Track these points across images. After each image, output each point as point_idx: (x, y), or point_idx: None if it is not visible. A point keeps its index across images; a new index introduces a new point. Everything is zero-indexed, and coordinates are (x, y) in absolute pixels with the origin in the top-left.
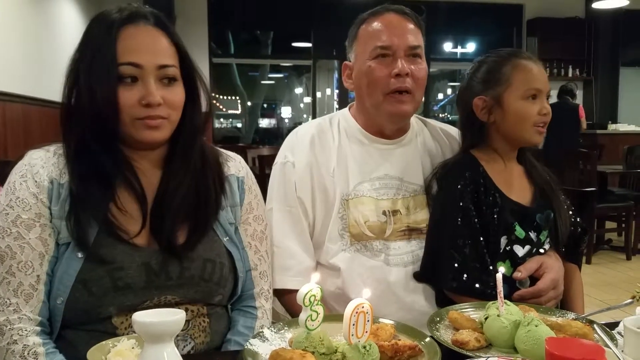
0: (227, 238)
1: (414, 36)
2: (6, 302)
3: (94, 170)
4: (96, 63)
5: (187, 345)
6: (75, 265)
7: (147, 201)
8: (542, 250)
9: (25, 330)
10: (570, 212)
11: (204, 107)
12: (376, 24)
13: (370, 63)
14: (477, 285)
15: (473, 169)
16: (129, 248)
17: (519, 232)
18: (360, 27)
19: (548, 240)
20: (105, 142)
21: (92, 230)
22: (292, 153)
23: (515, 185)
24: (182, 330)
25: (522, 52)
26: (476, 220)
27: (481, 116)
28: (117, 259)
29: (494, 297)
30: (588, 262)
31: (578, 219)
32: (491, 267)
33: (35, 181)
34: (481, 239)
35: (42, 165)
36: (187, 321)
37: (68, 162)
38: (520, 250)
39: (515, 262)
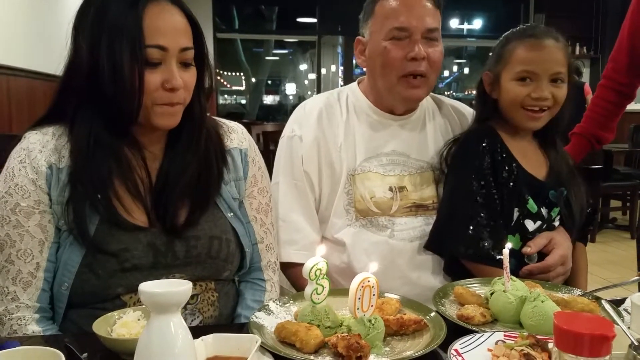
0: (232, 214)
1: (433, 17)
2: (4, 290)
3: (101, 154)
4: (121, 43)
5: (195, 319)
6: (79, 250)
7: (152, 183)
8: (551, 227)
9: (24, 319)
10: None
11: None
12: (394, 2)
13: (386, 44)
14: (493, 253)
15: (491, 137)
16: (133, 230)
17: (532, 205)
18: (377, 2)
19: (558, 217)
20: (118, 125)
21: (93, 220)
22: (299, 127)
23: (531, 158)
24: (189, 305)
25: (538, 29)
26: (494, 189)
27: (488, 91)
28: (122, 242)
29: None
30: (593, 240)
31: (590, 201)
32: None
33: (33, 167)
34: (498, 207)
35: (39, 150)
36: (196, 295)
37: (70, 142)
38: (531, 225)
39: (525, 236)
